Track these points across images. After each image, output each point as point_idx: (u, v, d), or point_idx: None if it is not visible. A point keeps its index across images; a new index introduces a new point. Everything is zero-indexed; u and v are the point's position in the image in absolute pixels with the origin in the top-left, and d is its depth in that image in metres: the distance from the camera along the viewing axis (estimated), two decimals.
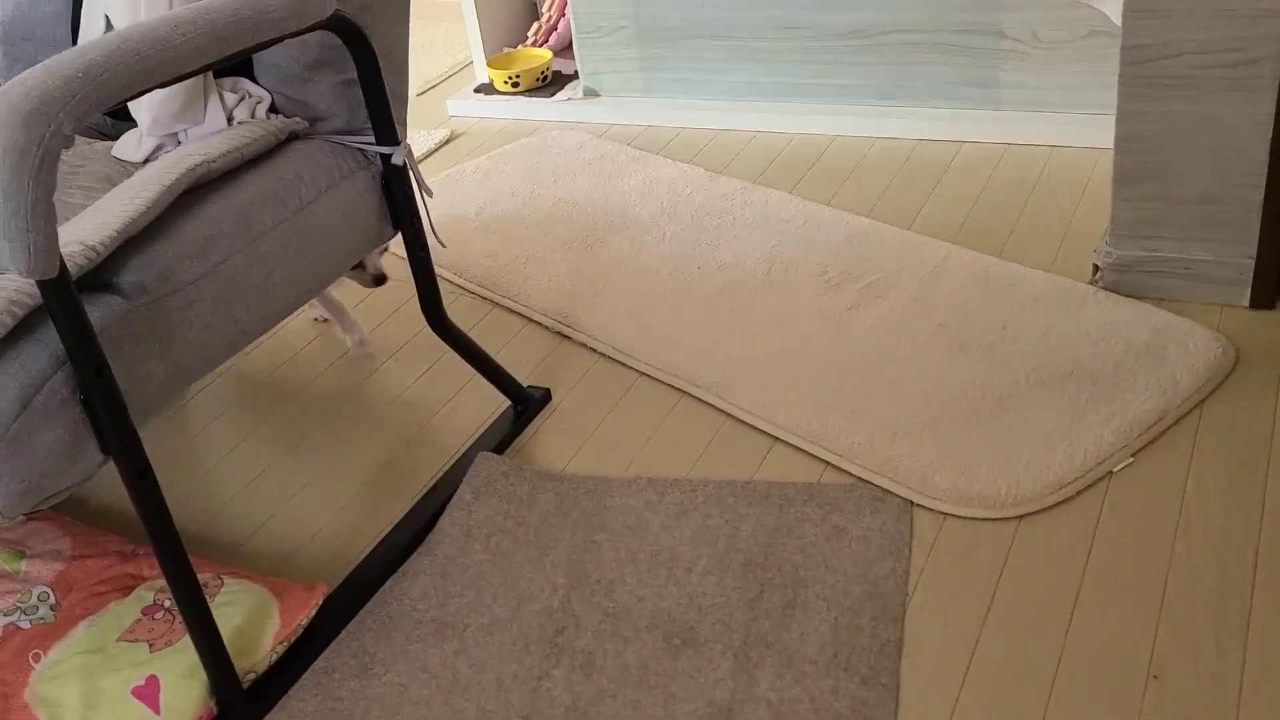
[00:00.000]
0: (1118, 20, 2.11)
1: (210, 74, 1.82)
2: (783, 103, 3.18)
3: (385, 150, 1.83)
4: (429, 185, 1.98)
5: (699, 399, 2.18)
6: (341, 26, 1.68)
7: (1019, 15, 2.82)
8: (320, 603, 1.76)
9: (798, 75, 3.14)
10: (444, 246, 2.17)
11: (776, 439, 2.06)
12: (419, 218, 1.92)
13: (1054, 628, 1.62)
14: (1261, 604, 1.61)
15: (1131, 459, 1.89)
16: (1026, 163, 2.82)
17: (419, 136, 3.43)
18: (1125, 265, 2.25)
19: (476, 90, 3.59)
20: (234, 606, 1.73)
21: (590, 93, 3.43)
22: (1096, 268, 2.30)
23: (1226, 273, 2.17)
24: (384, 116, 1.81)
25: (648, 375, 2.27)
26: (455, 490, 2.00)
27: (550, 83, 3.54)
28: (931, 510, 1.85)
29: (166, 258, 1.55)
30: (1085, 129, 2.81)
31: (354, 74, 1.79)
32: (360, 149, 1.84)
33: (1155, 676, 1.53)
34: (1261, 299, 2.16)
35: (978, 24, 2.88)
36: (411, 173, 1.89)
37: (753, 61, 3.17)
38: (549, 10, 3.66)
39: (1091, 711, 1.50)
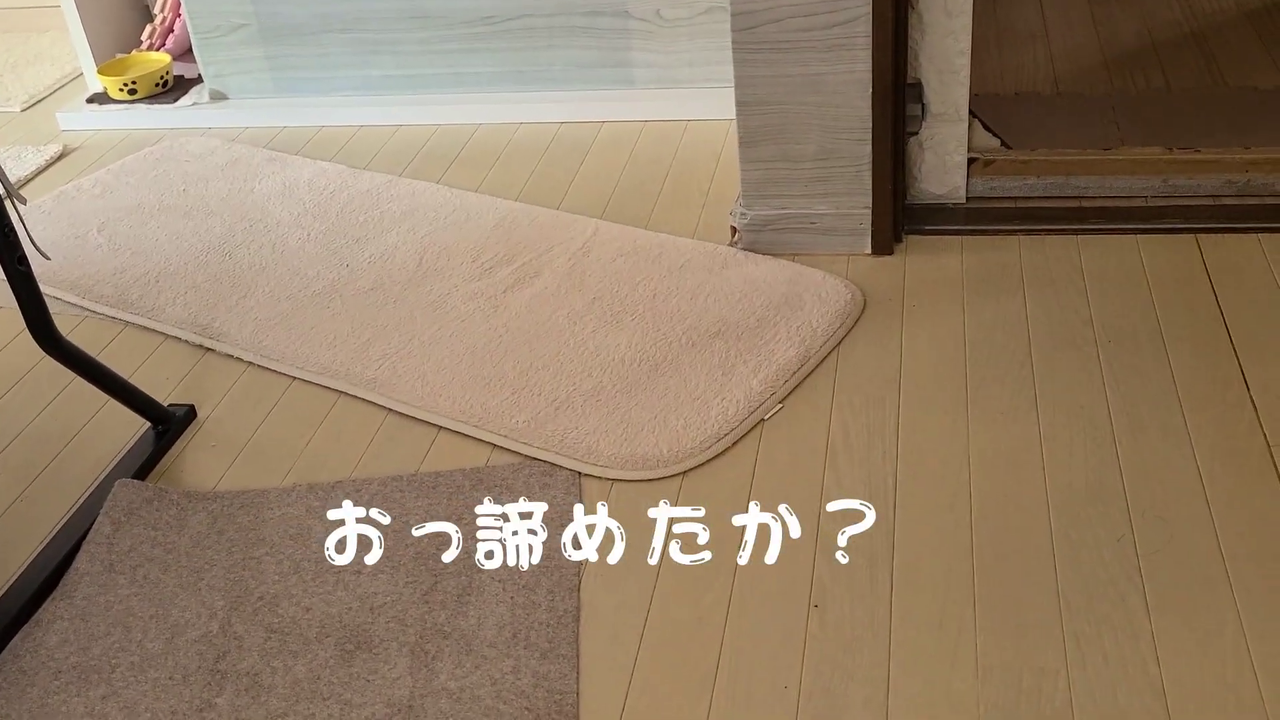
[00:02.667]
0: None
1: None
2: (421, 95, 3.13)
3: None
4: (21, 194, 1.79)
5: (357, 397, 2.10)
6: None
7: None
8: None
9: (433, 66, 3.09)
10: (48, 259, 1.98)
11: (441, 428, 2.01)
12: (12, 230, 1.73)
13: (723, 573, 1.67)
14: (902, 526, 1.72)
15: (780, 405, 1.98)
16: (663, 138, 2.90)
17: (26, 154, 3.13)
18: (759, 225, 2.35)
19: (89, 101, 3.32)
20: None
21: (217, 96, 3.24)
22: (734, 230, 2.40)
23: (848, 224, 2.32)
24: None
25: (301, 380, 2.16)
26: (92, 524, 1.83)
27: (171, 88, 3.32)
28: (599, 478, 1.86)
29: None
30: (714, 102, 2.93)
31: None
32: None
33: (816, 606, 1.61)
34: (881, 245, 2.32)
35: (603, 5, 2.93)
36: None
37: (384, 54, 3.10)
38: (162, 11, 3.43)
39: (763, 645, 1.55)
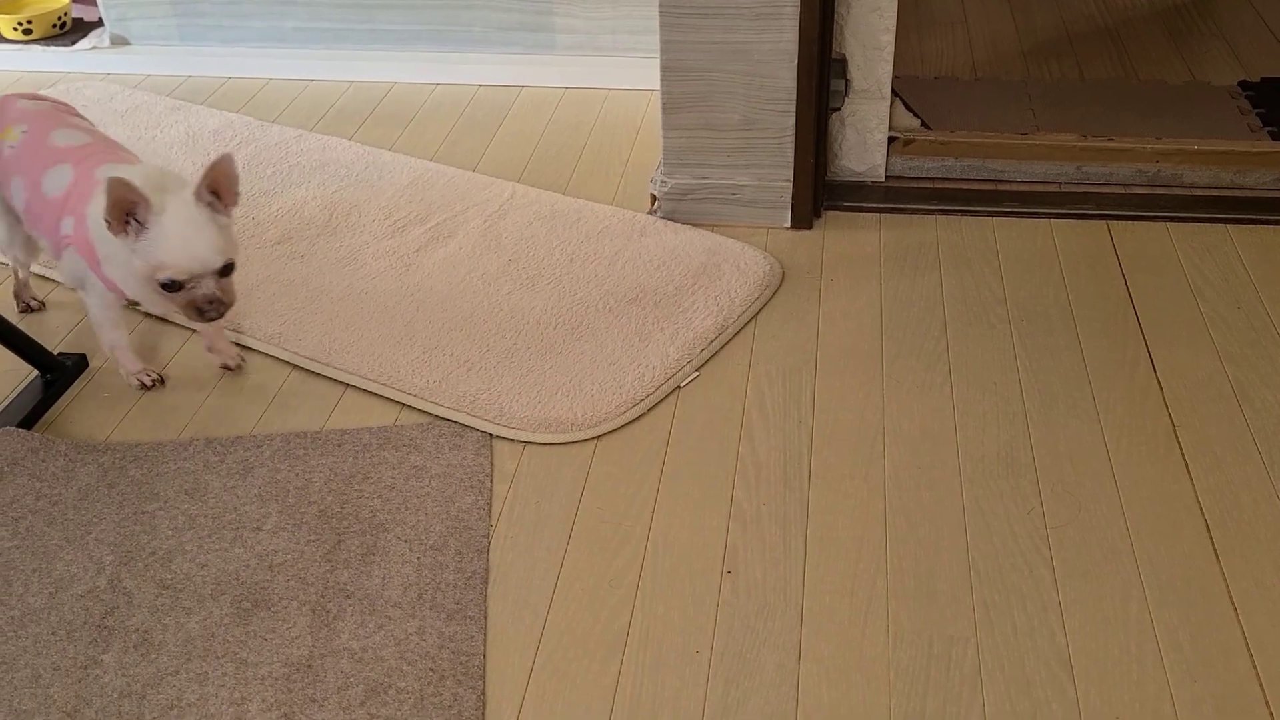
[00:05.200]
0: None
1: None
2: (335, 49, 3.03)
3: None
4: None
5: (260, 352, 2.02)
6: None
7: None
8: None
9: (348, 20, 3.00)
10: None
11: (348, 385, 1.95)
12: None
13: (635, 538, 1.64)
14: (816, 494, 1.71)
15: (697, 373, 1.96)
16: (584, 104, 2.86)
17: None
18: (679, 194, 2.33)
19: None
20: None
21: (118, 41, 3.11)
22: (654, 198, 2.37)
23: (769, 196, 2.30)
24: None
25: (199, 332, 2.08)
26: None
27: (70, 30, 3.17)
28: (511, 440, 1.82)
29: None
30: (636, 71, 2.89)
31: None
32: None
33: (729, 571, 1.59)
34: (800, 220, 2.31)
35: None
36: None
37: (298, 5, 2.99)
38: None
39: (674, 610, 1.53)
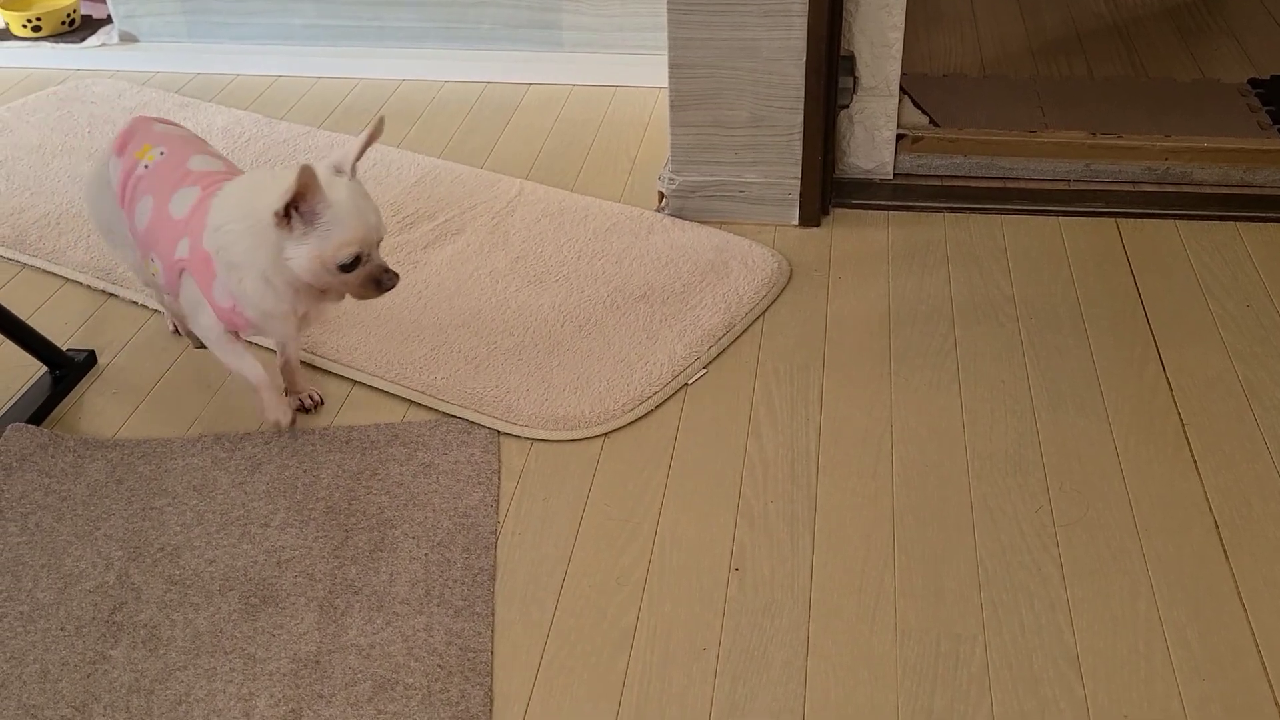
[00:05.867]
0: None
1: None
2: (343, 46, 3.04)
3: None
4: None
5: (268, 349, 2.03)
6: None
7: None
8: None
9: (356, 17, 3.00)
10: None
11: (355, 382, 1.95)
12: None
13: (642, 535, 1.64)
14: (824, 492, 1.71)
15: (704, 370, 1.95)
16: (592, 102, 2.86)
17: None
18: (687, 191, 2.33)
19: None
20: None
21: (127, 38, 3.11)
22: (662, 195, 2.37)
23: (776, 194, 2.30)
24: None
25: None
26: None
27: (79, 27, 3.17)
28: (519, 437, 1.82)
29: None
30: (644, 69, 2.89)
31: None
32: None
33: (736, 569, 1.59)
34: (808, 217, 2.31)
35: None
36: None
37: (306, 2, 3.00)
38: None
39: (681, 607, 1.53)
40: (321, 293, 1.67)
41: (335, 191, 1.59)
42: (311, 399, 1.88)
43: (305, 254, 1.59)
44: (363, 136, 1.63)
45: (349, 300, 1.71)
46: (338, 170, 1.62)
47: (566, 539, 1.64)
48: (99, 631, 1.50)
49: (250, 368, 1.77)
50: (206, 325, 1.73)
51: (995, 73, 2.81)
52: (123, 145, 1.83)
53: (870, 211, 2.36)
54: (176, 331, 2.04)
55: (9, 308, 1.92)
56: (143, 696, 1.42)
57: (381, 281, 1.65)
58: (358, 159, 1.64)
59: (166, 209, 1.73)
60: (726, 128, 2.26)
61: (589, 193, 2.46)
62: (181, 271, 1.71)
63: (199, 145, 1.84)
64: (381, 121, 1.64)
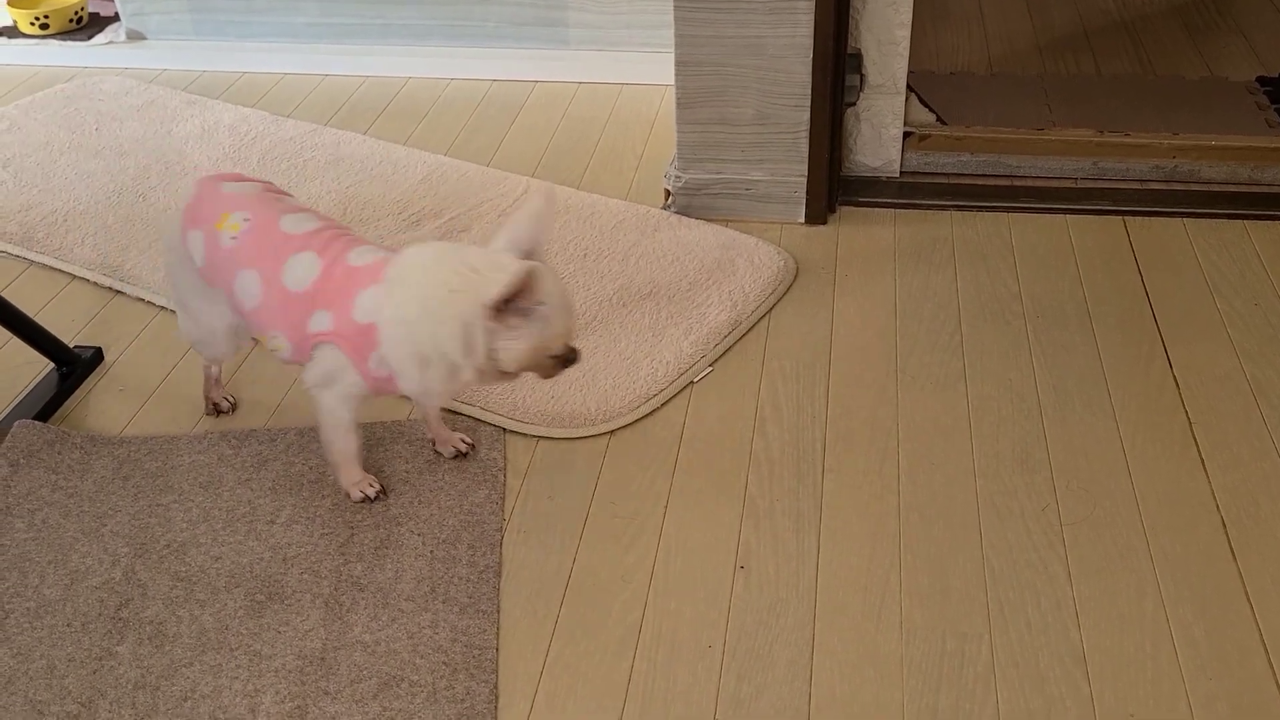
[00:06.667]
0: None
1: None
2: (349, 44, 3.04)
3: None
4: None
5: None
6: None
7: None
8: None
9: (362, 15, 3.00)
10: None
11: None
12: None
13: (647, 532, 1.64)
14: (830, 490, 1.70)
15: (710, 368, 1.95)
16: (598, 99, 2.86)
17: None
18: (693, 189, 2.32)
19: None
20: None
21: (134, 36, 3.11)
22: (668, 193, 2.37)
23: (783, 191, 2.30)
24: None
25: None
26: None
27: (86, 25, 3.18)
28: (525, 435, 1.82)
29: None
30: (651, 66, 2.89)
31: None
32: None
33: (742, 567, 1.59)
34: (815, 215, 2.31)
35: None
36: None
37: (309, 1, 3.00)
38: None
39: (687, 605, 1.53)
40: (502, 374, 1.56)
41: (546, 283, 1.48)
42: (464, 442, 1.79)
43: (520, 348, 1.50)
44: (538, 211, 1.53)
45: None
46: (528, 255, 1.51)
47: (572, 536, 1.64)
48: (105, 627, 1.50)
49: (348, 443, 1.67)
50: (339, 395, 1.62)
51: (1002, 70, 2.80)
52: (195, 216, 1.67)
53: (877, 209, 2.35)
54: (216, 411, 1.89)
55: (16, 305, 1.92)
56: (148, 692, 1.42)
57: (570, 361, 1.58)
58: (540, 242, 1.53)
59: (281, 284, 1.59)
60: (733, 125, 2.26)
61: (595, 190, 2.46)
62: (318, 345, 1.59)
63: (277, 199, 1.69)
64: (552, 194, 1.56)
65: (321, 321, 1.57)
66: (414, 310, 1.52)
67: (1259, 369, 1.89)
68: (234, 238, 1.62)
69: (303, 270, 1.58)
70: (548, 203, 1.54)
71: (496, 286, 1.44)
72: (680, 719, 1.39)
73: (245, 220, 1.63)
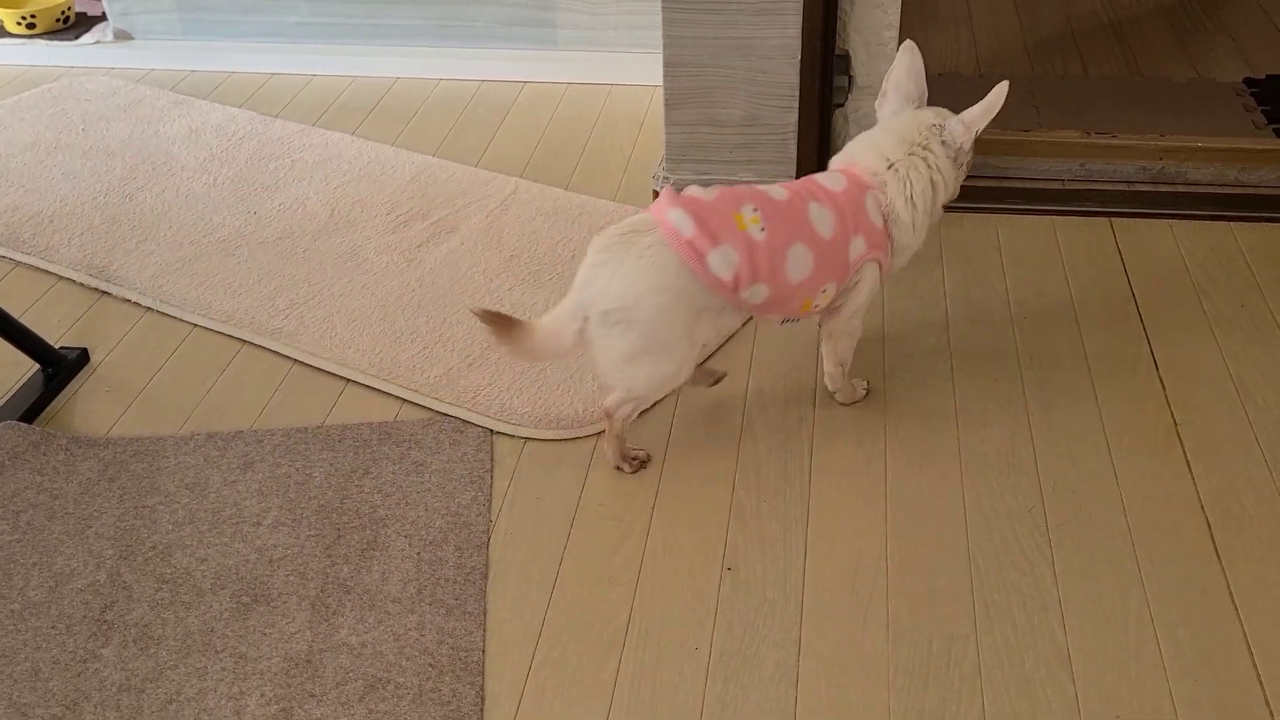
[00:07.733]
0: None
1: None
2: (338, 44, 3.03)
3: None
4: None
5: (261, 347, 2.02)
6: None
7: None
8: None
9: (350, 15, 3.00)
10: None
11: (348, 380, 1.94)
12: None
13: (635, 534, 1.64)
14: (817, 491, 1.70)
15: (697, 369, 1.95)
16: (586, 100, 2.86)
17: None
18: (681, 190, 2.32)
19: None
20: None
21: (122, 35, 3.10)
22: (656, 194, 2.37)
23: None
24: None
25: (202, 327, 2.08)
26: None
27: (73, 24, 3.17)
28: (512, 436, 1.82)
29: None
30: (639, 67, 2.89)
31: None
32: None
33: (729, 568, 1.59)
34: None
35: None
36: None
37: (298, 0, 2.99)
38: None
39: (673, 607, 1.53)
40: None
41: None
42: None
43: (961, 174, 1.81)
44: (912, 65, 1.83)
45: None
46: (919, 104, 1.82)
47: (559, 538, 1.64)
48: (90, 630, 1.50)
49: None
50: (865, 307, 1.77)
51: (990, 71, 2.80)
52: (708, 236, 1.59)
53: None
54: (641, 465, 1.77)
55: (1, 305, 1.92)
56: (133, 695, 1.41)
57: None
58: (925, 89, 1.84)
59: (823, 239, 1.65)
60: (721, 126, 2.26)
61: (584, 191, 2.46)
62: (865, 264, 1.72)
63: (726, 188, 1.68)
64: (914, 47, 1.81)
65: (859, 246, 1.70)
66: (920, 185, 1.73)
67: (1244, 370, 1.90)
68: (762, 228, 1.62)
69: (821, 217, 1.67)
70: (915, 55, 1.79)
71: (975, 111, 1.74)
72: None
73: (754, 210, 1.63)
